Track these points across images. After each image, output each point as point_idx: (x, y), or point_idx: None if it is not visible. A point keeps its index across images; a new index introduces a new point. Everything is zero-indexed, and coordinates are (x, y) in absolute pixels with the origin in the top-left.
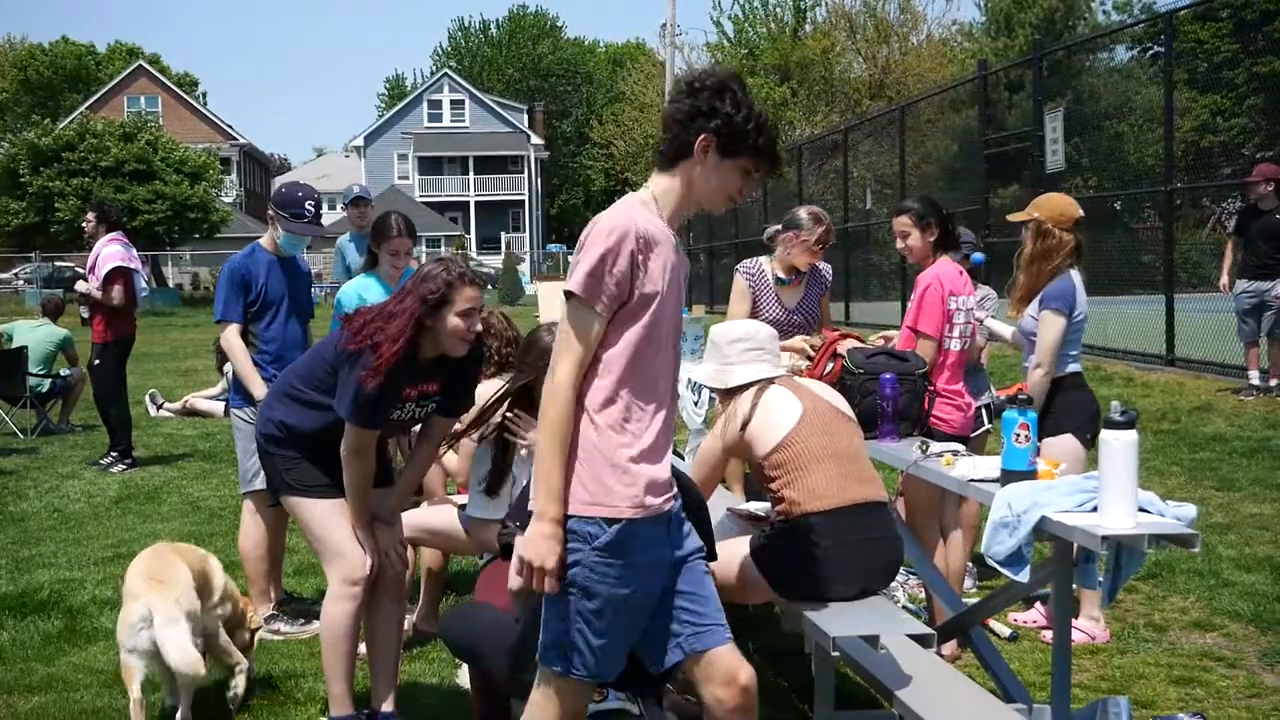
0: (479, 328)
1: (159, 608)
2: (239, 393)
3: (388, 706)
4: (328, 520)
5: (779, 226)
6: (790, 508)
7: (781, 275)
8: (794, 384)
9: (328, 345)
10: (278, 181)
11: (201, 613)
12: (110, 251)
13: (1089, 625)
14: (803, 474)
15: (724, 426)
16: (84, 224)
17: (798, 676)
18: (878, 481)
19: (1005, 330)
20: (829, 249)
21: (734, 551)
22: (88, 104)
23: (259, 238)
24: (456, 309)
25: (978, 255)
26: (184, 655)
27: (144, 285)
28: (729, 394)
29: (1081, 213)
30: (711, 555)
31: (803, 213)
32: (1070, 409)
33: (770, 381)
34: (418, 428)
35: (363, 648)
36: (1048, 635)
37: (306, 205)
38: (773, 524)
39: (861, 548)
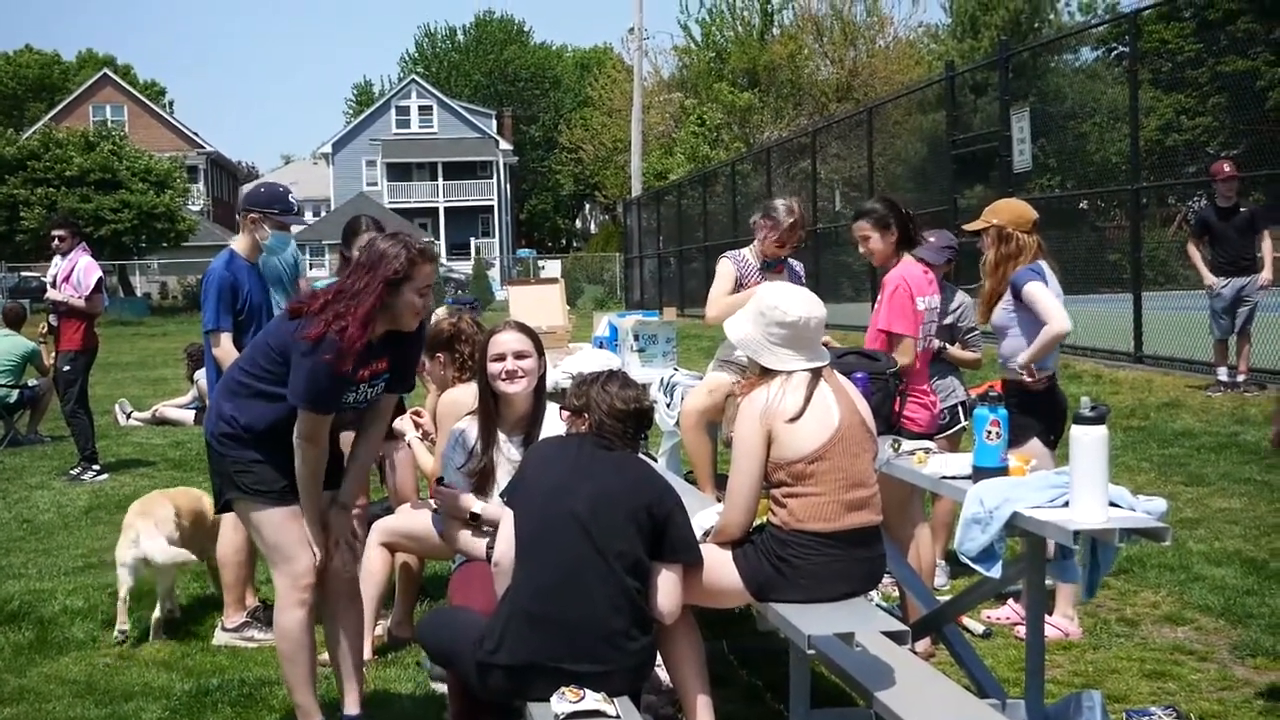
0: (430, 302)
1: (143, 529)
2: None
3: (354, 709)
4: (280, 526)
5: (760, 214)
6: (789, 518)
7: (766, 262)
8: (836, 383)
9: (271, 333)
10: (246, 187)
11: (189, 533)
12: (89, 262)
13: (1062, 621)
14: (816, 495)
15: (763, 409)
16: (58, 240)
17: (772, 674)
18: (878, 504)
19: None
20: (798, 248)
21: (717, 558)
22: (52, 113)
23: (226, 245)
24: (415, 285)
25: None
26: (164, 553)
27: (106, 297)
28: (765, 371)
29: (1036, 214)
30: (697, 560)
31: (779, 203)
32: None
33: (818, 375)
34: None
35: (324, 656)
36: (1021, 631)
37: (290, 199)
38: (761, 530)
39: (848, 564)
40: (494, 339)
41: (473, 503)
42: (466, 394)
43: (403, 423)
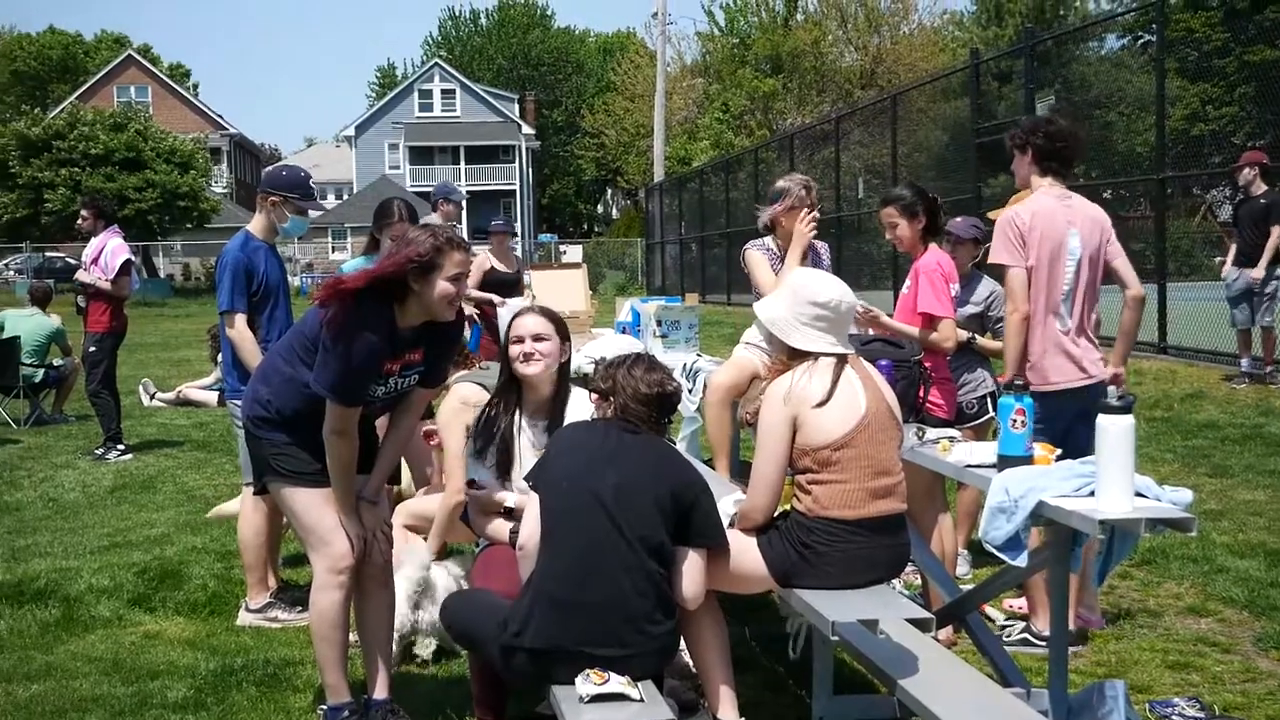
0: (466, 291)
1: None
2: (242, 383)
3: (382, 693)
4: (315, 509)
5: (770, 206)
6: (814, 505)
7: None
8: (863, 370)
9: (306, 320)
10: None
11: None
12: (118, 244)
13: (1086, 613)
14: (842, 482)
15: (786, 393)
16: (81, 221)
17: (795, 662)
18: (903, 491)
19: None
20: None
21: (742, 544)
22: (77, 94)
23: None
24: (446, 273)
25: None
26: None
27: (136, 279)
28: (793, 354)
29: None
30: (722, 545)
31: (780, 183)
32: None
33: (844, 360)
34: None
35: (355, 636)
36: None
37: (311, 184)
38: (785, 516)
39: (873, 552)
40: (515, 322)
41: (506, 497)
42: (471, 390)
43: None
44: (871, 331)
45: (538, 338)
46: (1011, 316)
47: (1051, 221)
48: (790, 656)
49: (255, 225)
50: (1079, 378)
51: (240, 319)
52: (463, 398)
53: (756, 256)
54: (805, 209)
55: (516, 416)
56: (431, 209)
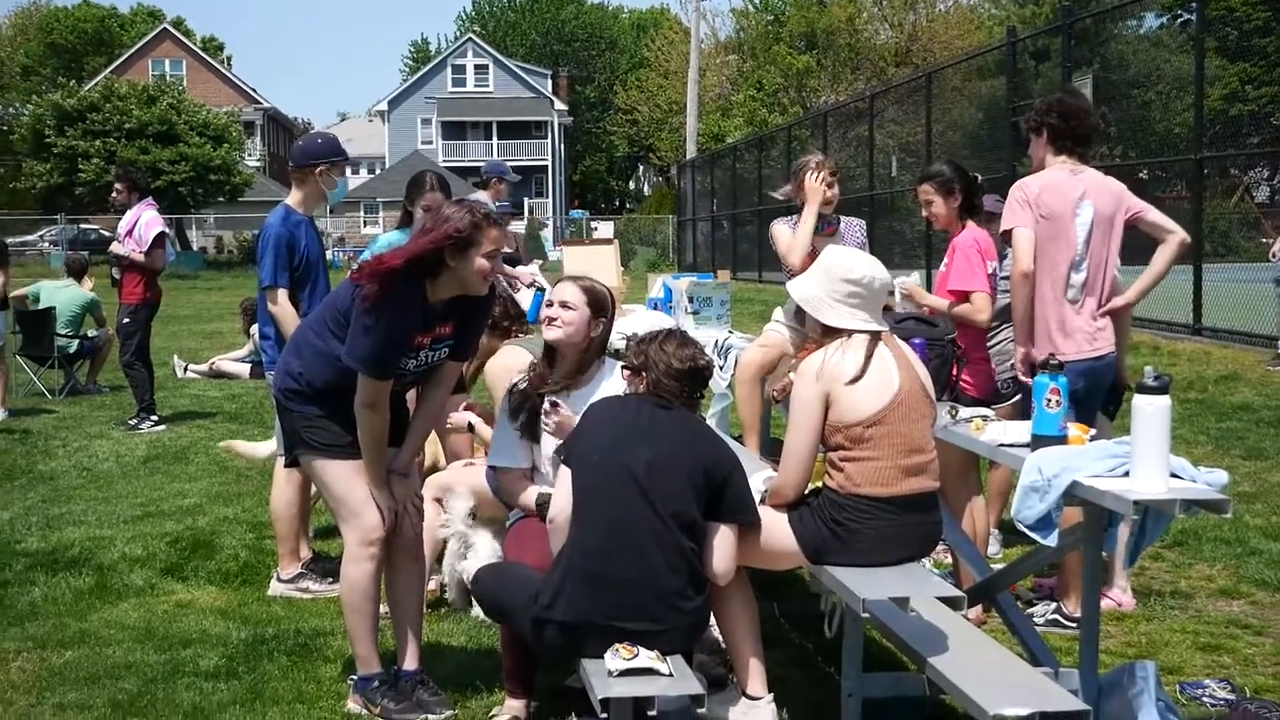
0: (499, 266)
1: None
2: None
3: (412, 664)
4: (346, 481)
5: (788, 187)
6: (845, 482)
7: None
8: (896, 348)
9: (339, 294)
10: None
11: None
12: (151, 217)
13: (1115, 592)
14: (874, 459)
15: (819, 369)
16: (115, 194)
17: (824, 639)
18: (935, 470)
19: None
20: (847, 212)
21: (773, 520)
22: (112, 67)
23: (282, 201)
24: (483, 250)
25: None
26: None
27: (171, 251)
28: (827, 332)
29: None
30: (754, 521)
31: (798, 164)
32: None
33: (877, 339)
34: None
35: (386, 607)
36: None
37: (343, 147)
38: (817, 493)
39: (905, 530)
40: (555, 287)
41: (532, 494)
42: (512, 356)
43: (459, 417)
44: (907, 308)
45: (565, 305)
46: (1014, 274)
47: (1060, 192)
48: (826, 635)
49: (294, 199)
50: (1082, 352)
51: (283, 294)
52: (506, 363)
53: (779, 230)
54: (818, 171)
55: (543, 380)
56: (482, 187)
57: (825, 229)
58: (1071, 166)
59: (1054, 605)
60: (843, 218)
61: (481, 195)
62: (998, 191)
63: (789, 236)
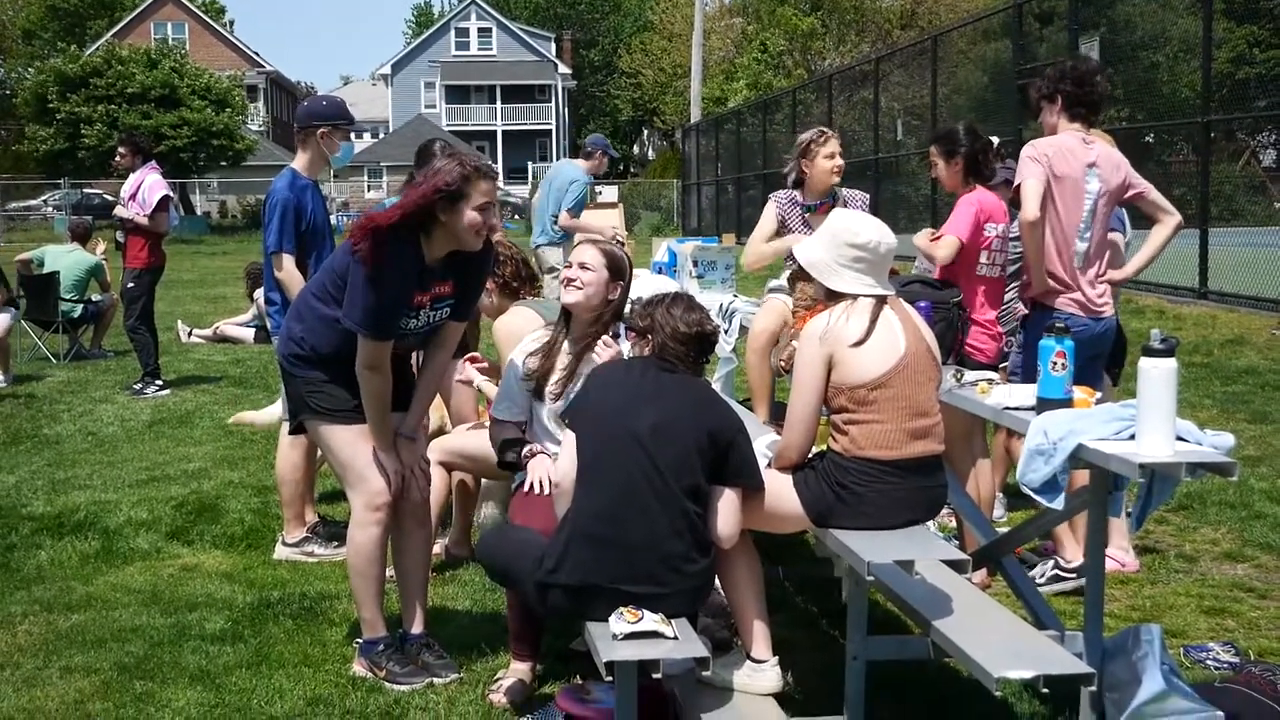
0: (494, 222)
1: None
2: None
3: (418, 628)
4: (351, 445)
5: (792, 161)
6: (850, 445)
7: (808, 202)
8: (903, 311)
9: (337, 257)
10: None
11: None
12: (155, 180)
13: (1119, 555)
14: (879, 422)
15: (823, 332)
16: (119, 158)
17: (828, 601)
18: (940, 433)
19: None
20: (852, 176)
21: (778, 483)
22: (114, 31)
23: (286, 165)
24: (473, 203)
25: None
26: None
27: (175, 216)
28: (831, 296)
29: None
30: (758, 485)
31: (806, 134)
32: None
33: (882, 302)
34: None
35: (391, 571)
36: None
37: (349, 111)
38: (822, 457)
39: (909, 493)
40: (574, 250)
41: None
42: (520, 316)
43: (465, 371)
44: (924, 265)
45: (583, 266)
46: (1021, 223)
47: (1074, 156)
48: (842, 600)
49: (299, 162)
50: (1085, 315)
51: (289, 260)
52: (513, 323)
53: (765, 212)
54: (821, 142)
55: (562, 345)
56: (583, 158)
57: (819, 208)
58: (1083, 135)
59: (1051, 562)
60: (845, 191)
61: (581, 164)
62: (1006, 157)
63: (764, 232)
